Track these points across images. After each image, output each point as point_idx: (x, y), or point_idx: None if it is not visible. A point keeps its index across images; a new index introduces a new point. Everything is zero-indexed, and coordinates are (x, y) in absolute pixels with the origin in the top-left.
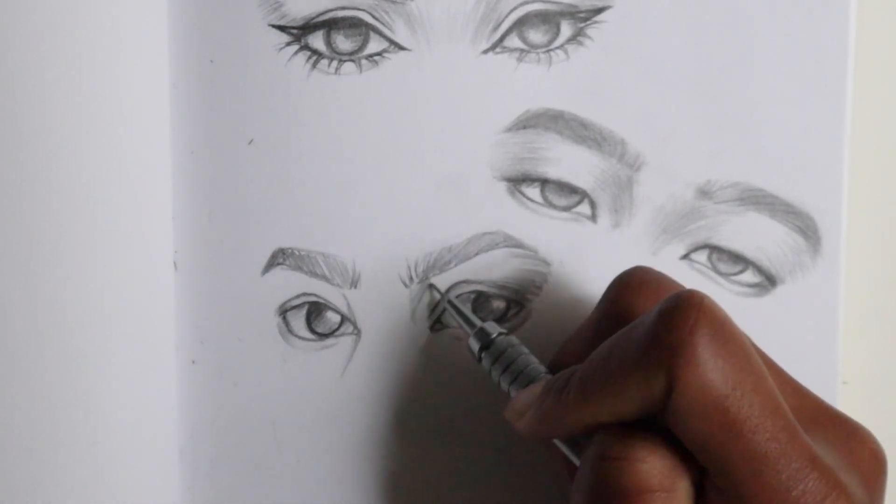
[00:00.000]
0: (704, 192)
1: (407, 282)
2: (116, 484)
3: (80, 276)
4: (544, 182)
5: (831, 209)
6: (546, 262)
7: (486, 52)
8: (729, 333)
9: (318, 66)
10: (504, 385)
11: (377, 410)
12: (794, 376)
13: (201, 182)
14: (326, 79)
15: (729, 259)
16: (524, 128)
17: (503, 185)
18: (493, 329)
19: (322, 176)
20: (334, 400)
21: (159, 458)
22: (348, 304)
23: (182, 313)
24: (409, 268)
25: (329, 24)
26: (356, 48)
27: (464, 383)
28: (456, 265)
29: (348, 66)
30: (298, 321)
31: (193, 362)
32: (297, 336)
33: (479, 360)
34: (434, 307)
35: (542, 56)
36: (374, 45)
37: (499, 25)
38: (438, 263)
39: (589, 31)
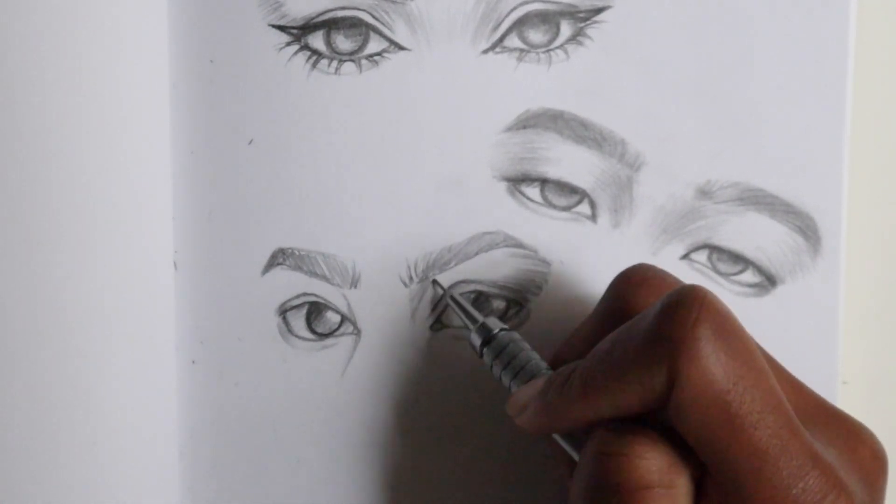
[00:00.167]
0: (704, 192)
1: (407, 282)
2: (116, 484)
3: (80, 276)
4: (544, 182)
5: (831, 209)
6: (546, 262)
7: (486, 52)
8: (731, 328)
9: (318, 66)
10: (505, 380)
11: (377, 410)
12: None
13: (201, 182)
14: (326, 79)
15: (729, 259)
16: (524, 128)
17: (503, 185)
18: (495, 324)
19: (322, 176)
20: (334, 400)
21: (159, 458)
22: (348, 304)
23: (182, 313)
24: (409, 268)
25: (329, 24)
26: (356, 48)
27: (464, 383)
28: (456, 265)
29: (348, 66)
30: (298, 321)
31: (193, 362)
32: (297, 336)
33: (481, 355)
34: (437, 303)
35: (542, 56)
36: (374, 45)
37: (499, 25)
38: (438, 263)
39: (589, 31)
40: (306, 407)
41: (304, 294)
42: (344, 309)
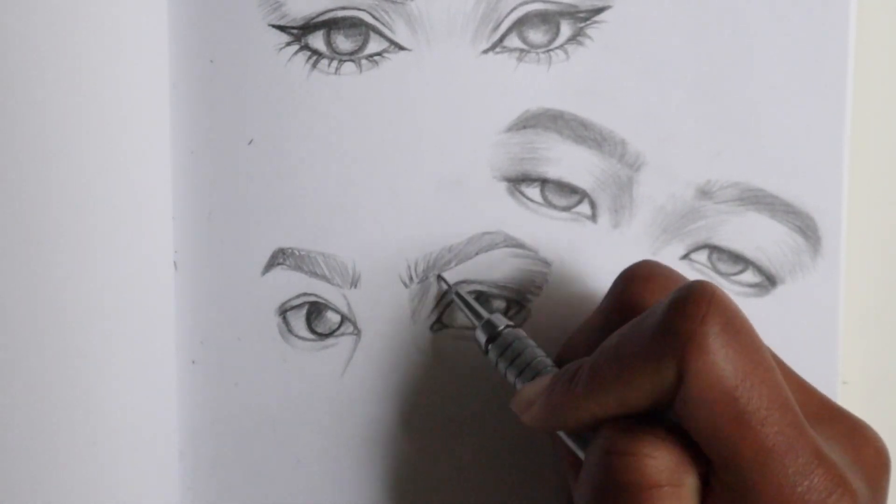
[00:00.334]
0: (704, 192)
1: (407, 282)
2: (116, 484)
3: (80, 276)
4: (544, 182)
5: (831, 209)
6: (546, 262)
7: (486, 52)
8: (740, 325)
9: (318, 66)
10: (510, 377)
11: (377, 410)
12: None
13: (201, 182)
14: (326, 79)
15: (729, 259)
16: (524, 128)
17: (503, 185)
18: (500, 321)
19: (322, 176)
20: (334, 400)
21: (159, 458)
22: (348, 304)
23: (182, 313)
24: (409, 268)
25: (329, 24)
26: (356, 48)
27: (464, 383)
28: (456, 265)
29: (348, 66)
30: (298, 321)
31: (193, 362)
32: (297, 336)
33: (486, 352)
34: (441, 299)
35: (542, 56)
36: (374, 45)
37: (499, 25)
38: (438, 263)
39: (589, 31)
40: (306, 407)
41: (304, 294)
42: (344, 309)
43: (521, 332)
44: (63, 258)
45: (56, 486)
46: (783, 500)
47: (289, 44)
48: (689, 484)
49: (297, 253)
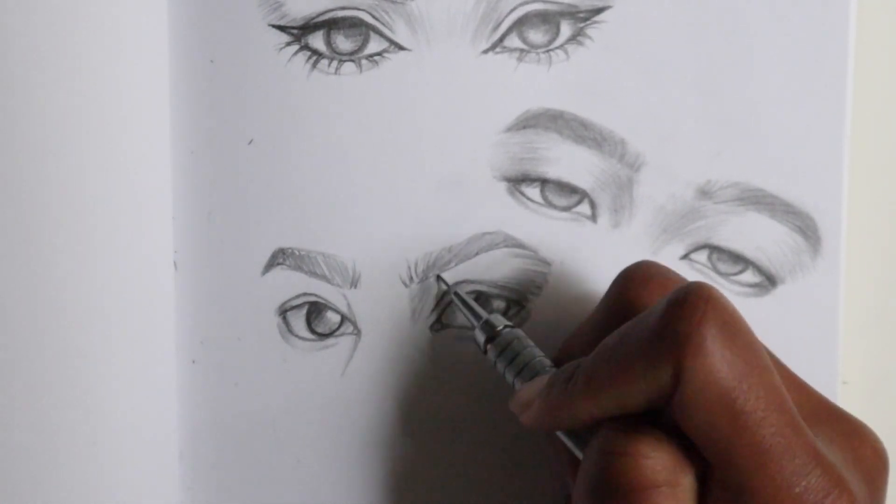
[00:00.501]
0: (704, 192)
1: (407, 282)
2: (116, 484)
3: (80, 277)
4: (544, 182)
5: (831, 209)
6: (546, 262)
7: (486, 52)
8: (737, 326)
9: (318, 66)
10: (509, 377)
11: (377, 410)
12: None
13: (201, 182)
14: (326, 79)
15: (729, 259)
16: (524, 128)
17: (503, 185)
18: (499, 321)
19: (322, 176)
20: (334, 400)
21: (159, 458)
22: (348, 304)
23: (182, 313)
24: (409, 268)
25: (329, 24)
26: (356, 48)
27: (464, 383)
28: (456, 265)
29: (348, 66)
30: (298, 321)
31: (193, 362)
32: (297, 336)
33: (485, 351)
34: (440, 299)
35: (542, 56)
36: (374, 45)
37: (499, 25)
38: (438, 263)
39: (589, 31)
40: (306, 407)
41: (304, 294)
42: (344, 309)
43: (520, 332)
44: (63, 258)
45: (56, 486)
46: (780, 500)
47: (289, 44)
48: (686, 484)
49: (297, 253)
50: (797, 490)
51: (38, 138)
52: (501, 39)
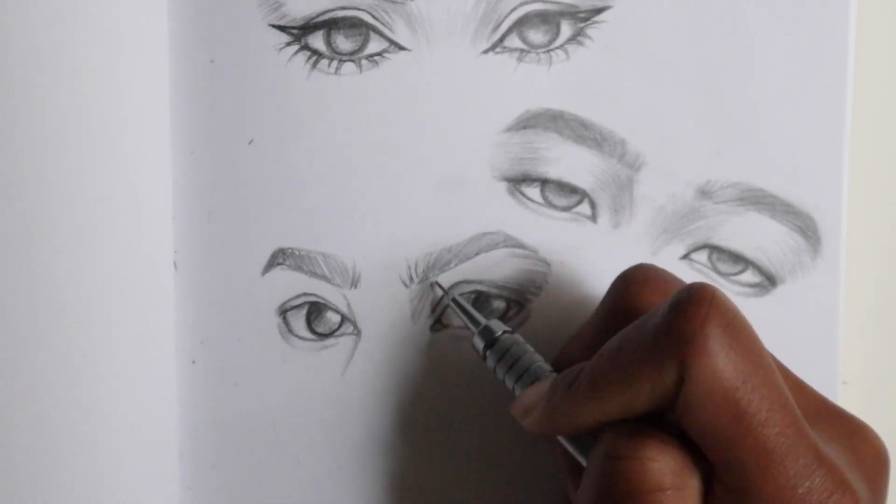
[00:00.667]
0: (704, 192)
1: (407, 282)
2: (116, 484)
3: (80, 277)
4: (544, 182)
5: (831, 209)
6: (546, 262)
7: (486, 52)
8: (740, 327)
9: (318, 66)
10: (509, 383)
11: (377, 410)
12: None
13: (201, 182)
14: (326, 79)
15: (729, 259)
16: (524, 128)
17: (503, 185)
18: (498, 327)
19: (322, 176)
20: (334, 400)
21: (159, 458)
22: (348, 304)
23: (182, 313)
24: (409, 268)
25: (329, 24)
26: (356, 48)
27: (464, 383)
28: (456, 265)
29: (348, 66)
30: (298, 321)
31: (193, 362)
32: (297, 336)
33: (484, 357)
34: (437, 304)
35: (542, 56)
36: (375, 45)
37: (499, 25)
38: (438, 263)
39: (589, 31)
40: (306, 407)
41: (304, 294)
42: (344, 309)
43: (519, 338)
44: (63, 258)
45: (56, 486)
46: (784, 501)
47: (289, 44)
48: (692, 486)
49: (297, 253)
50: (800, 490)
51: (38, 138)
52: (501, 39)
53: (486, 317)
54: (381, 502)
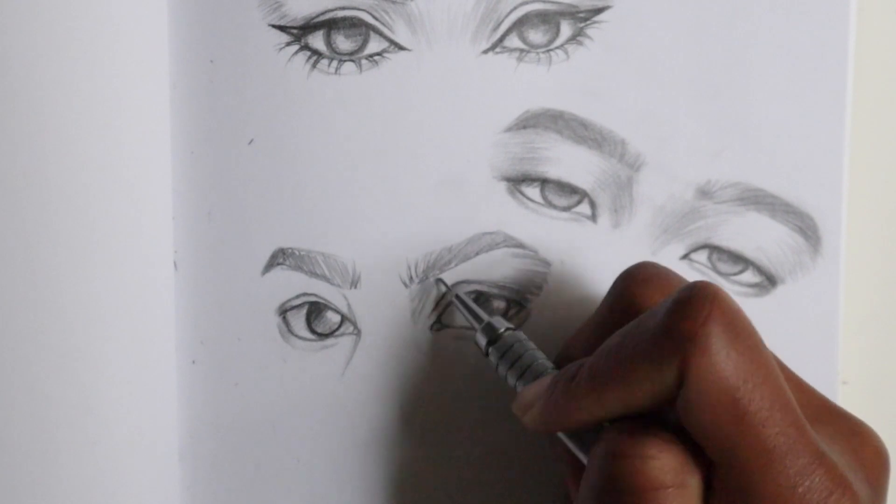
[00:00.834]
0: (704, 192)
1: (407, 282)
2: (116, 484)
3: (79, 277)
4: (544, 182)
5: (831, 209)
6: (546, 262)
7: (486, 52)
8: (742, 326)
9: (318, 66)
10: (511, 380)
11: (377, 410)
12: None
13: (201, 182)
14: (326, 79)
15: (729, 259)
16: (524, 128)
17: (503, 185)
18: (501, 324)
19: (322, 176)
20: (334, 400)
21: (159, 458)
22: (348, 304)
23: (182, 313)
24: (409, 268)
25: (329, 24)
26: (356, 48)
27: (464, 383)
28: (456, 265)
29: (348, 66)
30: (298, 321)
31: (193, 362)
32: (297, 336)
33: (487, 354)
34: (439, 301)
35: (542, 56)
36: (375, 45)
37: (499, 25)
38: (438, 263)
39: (589, 31)
40: (306, 407)
41: (304, 294)
42: (344, 309)
43: (522, 335)
44: (63, 258)
45: (56, 486)
46: (784, 500)
47: (289, 44)
48: (693, 485)
49: (297, 253)
50: (800, 490)
51: (38, 138)
52: (501, 39)
53: (489, 315)
54: (381, 502)
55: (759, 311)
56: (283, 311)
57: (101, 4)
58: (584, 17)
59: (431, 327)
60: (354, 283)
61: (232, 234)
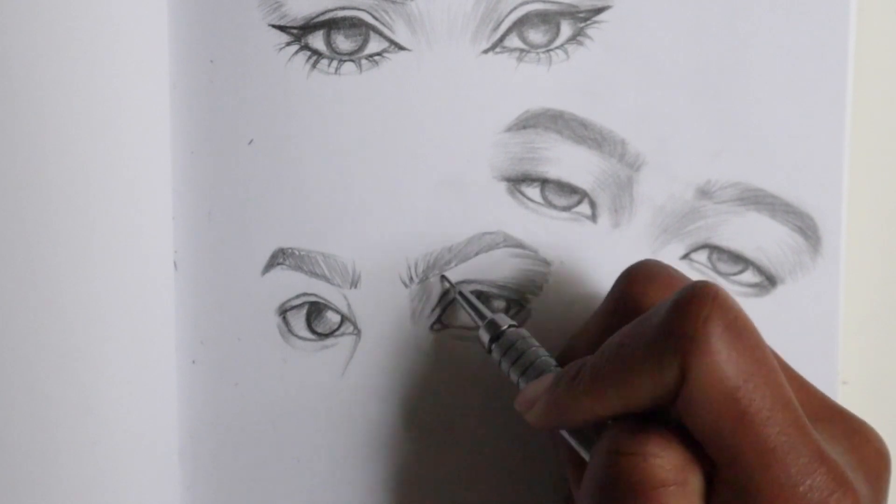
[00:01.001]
0: (704, 192)
1: (407, 282)
2: (116, 484)
3: (79, 277)
4: (544, 182)
5: (831, 209)
6: (546, 262)
7: (486, 52)
8: (742, 325)
9: (318, 66)
10: (514, 377)
11: (377, 410)
12: None
13: (201, 182)
14: (326, 79)
15: (729, 259)
16: (524, 128)
17: (503, 185)
18: (504, 321)
19: (322, 176)
20: (334, 400)
21: (159, 458)
22: (348, 304)
23: (182, 313)
24: (409, 268)
25: (329, 24)
26: (356, 48)
27: (464, 383)
28: (456, 265)
29: (348, 66)
30: (298, 321)
31: (193, 362)
32: (297, 336)
33: (489, 351)
34: (442, 297)
35: (542, 56)
36: (375, 45)
37: (499, 25)
38: (438, 263)
39: (589, 31)
40: (306, 407)
41: (304, 294)
42: (344, 309)
43: (525, 332)
44: (63, 258)
45: (56, 486)
46: (785, 499)
47: (289, 44)
48: (694, 483)
49: (297, 253)
50: (802, 489)
51: (38, 138)
52: (501, 39)
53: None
54: (382, 502)
55: (759, 311)
56: (283, 311)
57: (101, 4)
58: (584, 17)
59: (431, 327)
60: (354, 283)
61: (232, 234)
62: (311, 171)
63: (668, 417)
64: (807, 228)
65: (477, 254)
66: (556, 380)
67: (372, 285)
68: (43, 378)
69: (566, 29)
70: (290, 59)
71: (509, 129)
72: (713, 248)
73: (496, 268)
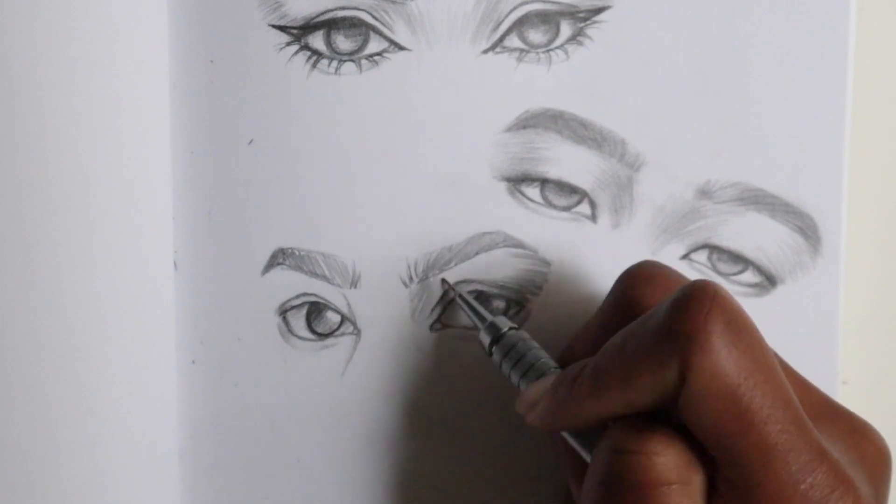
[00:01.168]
0: (704, 192)
1: (407, 282)
2: (116, 484)
3: (79, 277)
4: (544, 182)
5: (831, 209)
6: (546, 262)
7: (486, 52)
8: (742, 324)
9: (318, 66)
10: (514, 379)
11: (377, 410)
12: None
13: (201, 182)
14: (326, 79)
15: (729, 259)
16: (524, 128)
17: (503, 185)
18: (504, 323)
19: (322, 176)
20: (334, 400)
21: (159, 458)
22: (348, 304)
23: (182, 313)
24: (409, 268)
25: (329, 24)
26: (356, 48)
27: (464, 383)
28: (456, 265)
29: (348, 66)
30: (298, 321)
31: (193, 362)
32: (297, 336)
33: (490, 353)
34: (442, 299)
35: (541, 56)
36: (375, 45)
37: (499, 25)
38: (438, 263)
39: (589, 31)
40: (306, 407)
41: (304, 294)
42: (344, 309)
43: (525, 334)
44: (63, 258)
45: (56, 486)
46: (786, 497)
47: (289, 44)
48: (696, 482)
49: (297, 253)
50: (802, 487)
51: (38, 138)
52: (501, 39)
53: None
54: (381, 502)
55: (759, 311)
56: (283, 311)
57: (101, 4)
58: (584, 17)
59: (431, 327)
60: (354, 283)
61: (232, 234)
62: (311, 171)
63: (669, 417)
64: (807, 228)
65: (477, 253)
66: (558, 381)
67: (372, 285)
68: (43, 378)
69: (566, 29)
70: (290, 59)
71: (509, 129)
72: (713, 248)
73: (496, 267)
